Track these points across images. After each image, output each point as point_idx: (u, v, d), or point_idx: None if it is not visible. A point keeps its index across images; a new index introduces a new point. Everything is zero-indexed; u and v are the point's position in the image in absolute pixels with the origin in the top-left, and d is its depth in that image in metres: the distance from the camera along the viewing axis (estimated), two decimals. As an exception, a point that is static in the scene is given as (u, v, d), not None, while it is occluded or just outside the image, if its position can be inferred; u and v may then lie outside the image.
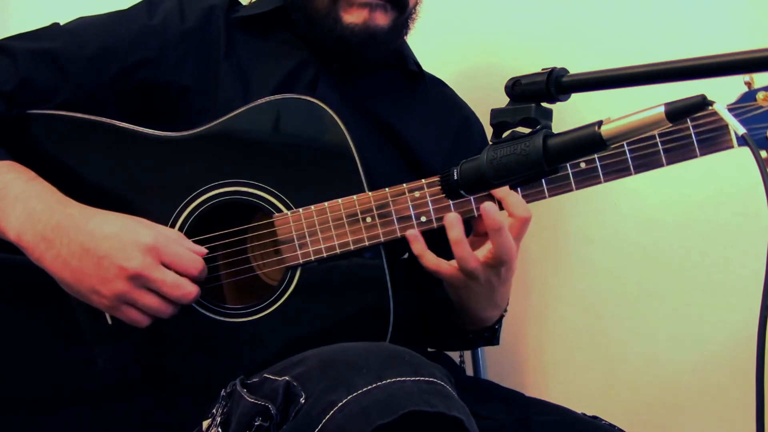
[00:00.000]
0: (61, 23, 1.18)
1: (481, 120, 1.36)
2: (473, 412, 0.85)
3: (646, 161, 1.02)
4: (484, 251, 1.04)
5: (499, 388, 1.25)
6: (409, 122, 1.26)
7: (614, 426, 1.13)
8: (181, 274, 1.02)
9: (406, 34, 1.24)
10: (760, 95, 0.98)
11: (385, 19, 1.16)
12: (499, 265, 1.03)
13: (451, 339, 1.20)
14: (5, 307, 1.11)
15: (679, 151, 1.01)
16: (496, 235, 1.00)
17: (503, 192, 1.01)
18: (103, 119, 1.11)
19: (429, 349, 1.31)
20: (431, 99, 1.31)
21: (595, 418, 1.15)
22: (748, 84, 0.98)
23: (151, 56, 1.15)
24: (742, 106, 0.99)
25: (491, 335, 1.14)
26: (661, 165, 1.02)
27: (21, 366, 1.10)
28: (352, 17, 1.14)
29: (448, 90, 1.37)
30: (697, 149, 1.00)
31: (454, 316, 1.12)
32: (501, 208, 1.03)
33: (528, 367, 1.62)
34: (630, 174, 1.03)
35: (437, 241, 1.31)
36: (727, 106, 0.99)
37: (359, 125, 1.19)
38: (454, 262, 1.04)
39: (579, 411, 1.17)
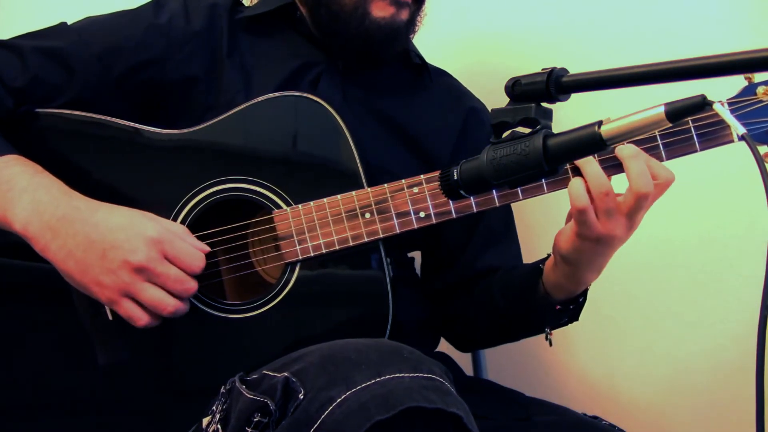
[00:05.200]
0: (69, 23, 1.19)
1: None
2: (473, 412, 0.85)
3: None
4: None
5: (499, 388, 1.25)
6: (414, 116, 1.26)
7: (614, 426, 1.12)
8: (182, 270, 1.02)
9: (416, 30, 1.25)
10: (760, 89, 0.97)
11: (406, 14, 1.19)
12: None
13: (533, 317, 1.16)
14: (4, 308, 1.11)
15: (678, 145, 1.00)
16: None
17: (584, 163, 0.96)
18: (107, 118, 1.12)
19: (435, 350, 1.31)
20: (436, 91, 1.31)
21: (595, 418, 1.15)
22: (749, 78, 0.98)
23: (157, 56, 1.16)
24: (743, 101, 0.98)
25: (576, 306, 1.13)
26: (660, 160, 1.01)
27: (21, 366, 1.11)
28: (382, 12, 1.15)
29: (452, 80, 1.36)
30: (697, 144, 1.00)
31: (547, 287, 1.10)
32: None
33: (528, 367, 1.62)
34: None
35: (435, 237, 1.31)
36: (728, 100, 0.99)
37: (364, 122, 1.20)
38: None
39: (579, 411, 1.17)
